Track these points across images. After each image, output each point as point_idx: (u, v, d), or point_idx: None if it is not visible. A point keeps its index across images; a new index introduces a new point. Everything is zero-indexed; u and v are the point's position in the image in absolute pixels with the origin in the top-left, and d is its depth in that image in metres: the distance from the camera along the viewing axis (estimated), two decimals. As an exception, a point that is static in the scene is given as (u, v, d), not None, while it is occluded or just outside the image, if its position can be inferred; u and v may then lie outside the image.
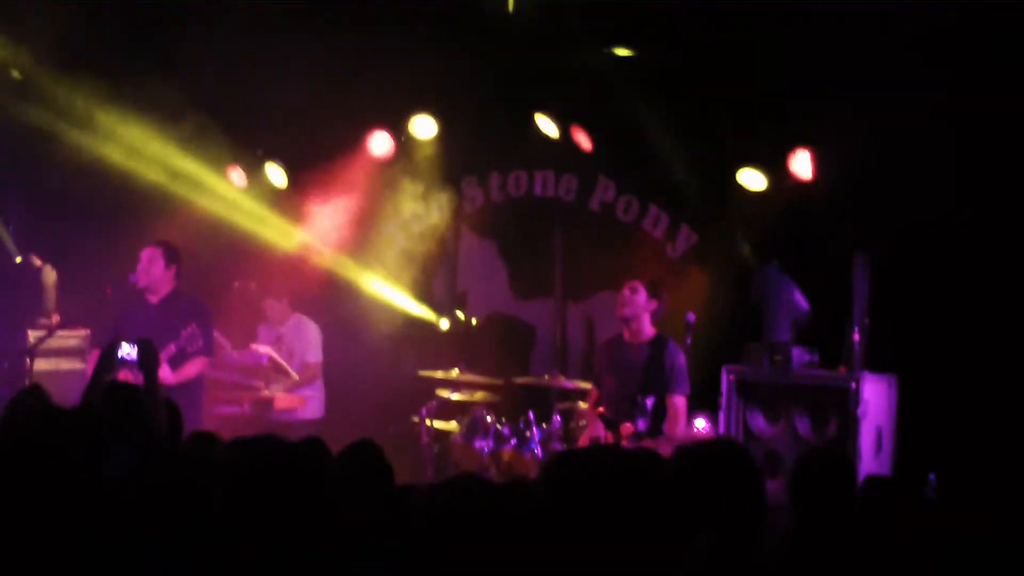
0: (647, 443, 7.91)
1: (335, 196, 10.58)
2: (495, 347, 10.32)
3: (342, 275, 10.65)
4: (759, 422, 8.37)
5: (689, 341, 8.20)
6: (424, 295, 10.70)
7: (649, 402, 8.13)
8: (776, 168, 8.79)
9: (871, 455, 7.85)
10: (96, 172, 10.07)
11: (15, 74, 9.78)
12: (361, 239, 10.68)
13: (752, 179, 8.90)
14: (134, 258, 8.55)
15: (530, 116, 9.73)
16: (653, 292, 8.42)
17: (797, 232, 8.71)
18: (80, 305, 9.53)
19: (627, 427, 8.11)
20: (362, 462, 4.76)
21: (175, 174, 10.28)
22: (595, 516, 3.62)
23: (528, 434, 8.75)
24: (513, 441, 8.77)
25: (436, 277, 10.83)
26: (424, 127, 10.24)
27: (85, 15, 9.12)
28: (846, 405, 7.92)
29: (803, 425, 8.17)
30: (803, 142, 8.62)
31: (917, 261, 8.14)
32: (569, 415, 8.99)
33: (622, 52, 9.29)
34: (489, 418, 8.93)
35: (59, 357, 9.54)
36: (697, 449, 4.49)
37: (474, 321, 10.58)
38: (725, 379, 8.38)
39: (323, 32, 9.29)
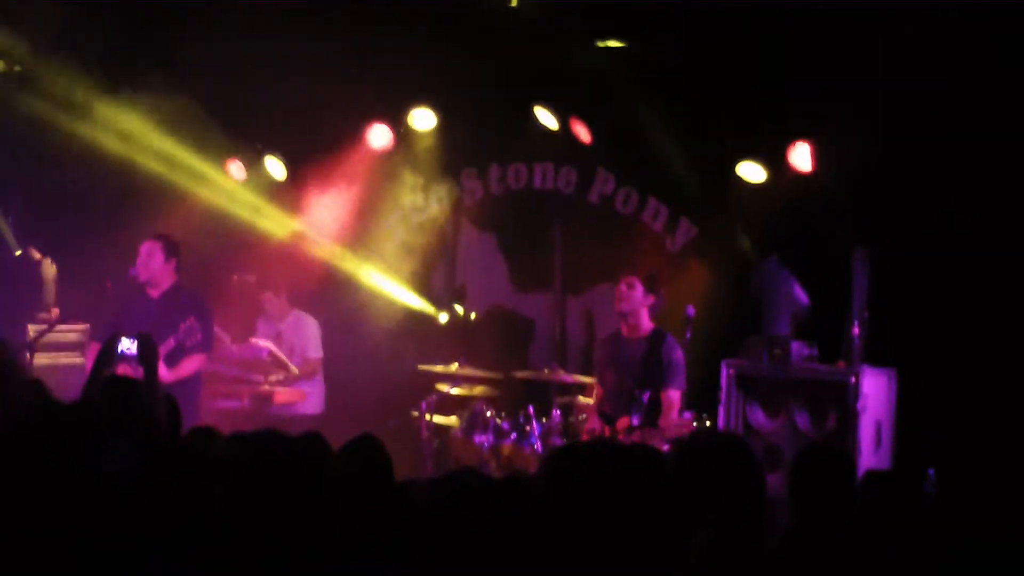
0: (636, 436, 7.96)
1: (334, 189, 10.57)
2: (494, 340, 10.32)
3: (341, 268, 10.64)
4: (758, 416, 8.37)
5: (689, 335, 8.20)
6: (423, 288, 10.69)
7: (645, 396, 8.15)
8: (776, 161, 8.78)
9: (870, 449, 7.85)
10: (96, 165, 10.08)
11: (15, 67, 9.76)
12: (360, 232, 10.68)
13: (752, 172, 8.89)
14: (134, 252, 8.55)
15: (529, 109, 9.72)
16: (650, 287, 8.45)
17: (797, 226, 8.70)
18: (80, 299, 9.53)
19: (623, 421, 8.15)
20: (363, 457, 4.76)
21: (175, 167, 10.28)
22: (595, 512, 3.62)
23: (528, 428, 8.75)
24: (513, 435, 8.77)
25: (435, 270, 10.82)
26: (423, 120, 10.24)
27: (86, 9, 9.11)
28: (845, 399, 7.92)
29: (802, 419, 8.18)
30: (803, 132, 8.62)
31: (917, 255, 8.13)
32: (569, 409, 8.99)
33: (613, 44, 9.27)
34: (489, 412, 8.92)
35: (59, 351, 9.53)
36: (697, 444, 4.50)
37: (473, 315, 10.57)
38: (724, 373, 8.38)
39: (323, 25, 9.28)
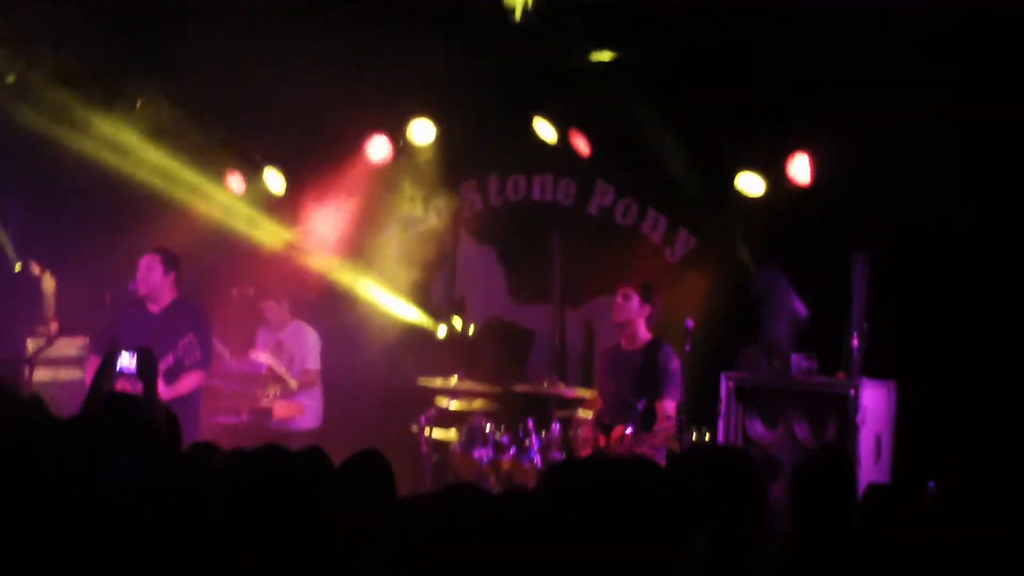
0: (628, 442, 7.99)
1: (333, 201, 10.57)
2: (493, 353, 10.31)
3: (340, 281, 10.64)
4: (758, 427, 8.37)
5: (688, 348, 8.21)
6: (422, 301, 10.69)
7: (640, 405, 8.18)
8: (774, 172, 8.79)
9: (870, 462, 7.84)
10: (95, 179, 10.07)
11: (9, 78, 9.76)
12: (359, 244, 10.68)
13: (750, 184, 8.90)
14: (133, 266, 8.54)
15: (528, 120, 9.73)
16: (646, 297, 8.49)
17: (795, 237, 8.70)
18: (79, 313, 9.52)
19: (618, 430, 8.18)
20: (366, 473, 4.75)
21: (174, 180, 10.28)
22: (593, 525, 3.62)
23: (527, 443, 8.74)
24: (512, 450, 8.76)
25: (434, 282, 10.82)
26: (422, 131, 10.24)
27: (84, 22, 9.12)
28: (845, 411, 7.92)
29: (802, 430, 8.17)
30: (801, 144, 8.62)
31: (916, 266, 8.13)
32: (568, 423, 8.98)
33: (607, 56, 9.28)
34: (488, 427, 8.91)
35: (58, 366, 9.52)
36: (698, 456, 4.50)
37: (471, 328, 10.57)
38: (724, 386, 8.38)
39: (321, 38, 9.28)
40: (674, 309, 8.76)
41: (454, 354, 10.21)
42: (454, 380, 9.34)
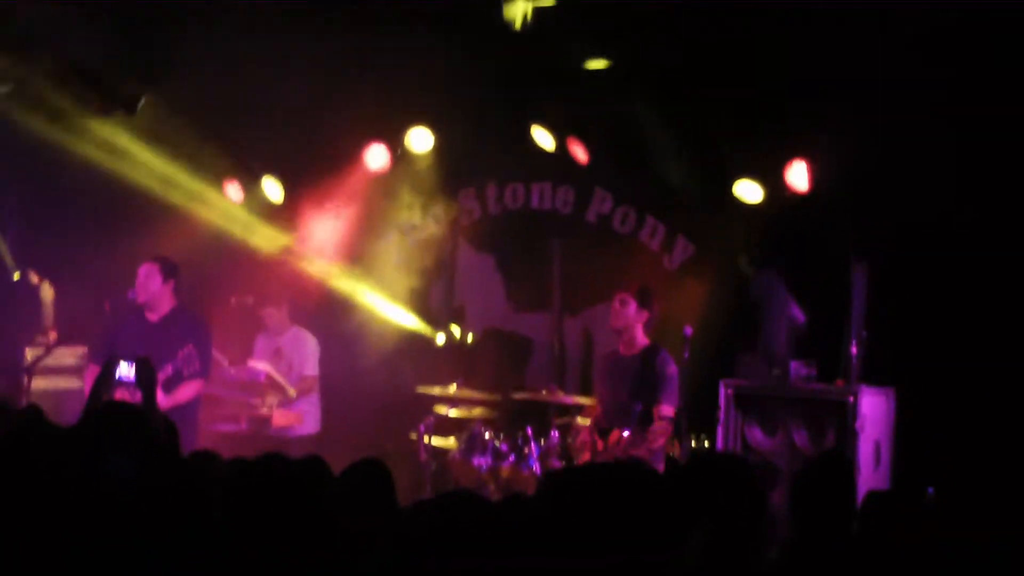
0: (623, 444, 8.01)
1: (332, 209, 10.58)
2: (492, 361, 10.31)
3: (339, 288, 10.64)
4: (757, 435, 8.37)
5: (687, 355, 8.21)
6: (421, 309, 10.68)
7: (637, 408, 8.19)
8: (772, 179, 8.79)
9: (870, 469, 7.85)
10: (94, 187, 10.08)
11: (5, 88, 9.76)
12: (358, 251, 10.68)
13: (748, 191, 8.90)
14: (132, 274, 8.54)
15: (526, 128, 9.73)
16: (643, 302, 8.49)
17: (794, 243, 8.71)
18: (78, 322, 9.52)
19: (615, 434, 8.20)
20: (367, 481, 4.75)
21: (173, 188, 10.28)
22: (592, 532, 3.62)
23: (526, 450, 8.75)
24: (511, 457, 8.76)
25: (433, 290, 10.82)
26: (421, 140, 10.24)
27: (83, 30, 9.12)
28: (844, 419, 7.92)
29: (801, 438, 8.17)
30: (800, 150, 8.62)
31: (915, 273, 8.14)
32: (567, 430, 8.97)
33: (600, 63, 9.29)
34: (487, 434, 8.91)
35: (56, 375, 9.52)
36: (698, 464, 4.50)
37: (470, 336, 10.57)
38: (723, 393, 8.38)
39: (319, 46, 9.28)
40: (673, 316, 8.76)
41: (453, 362, 10.21)
42: (453, 388, 9.34)
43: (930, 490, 6.41)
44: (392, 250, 10.68)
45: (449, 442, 9.30)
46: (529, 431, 8.81)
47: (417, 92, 9.72)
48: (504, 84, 9.66)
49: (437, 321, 10.68)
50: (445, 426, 9.39)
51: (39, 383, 8.86)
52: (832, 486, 4.54)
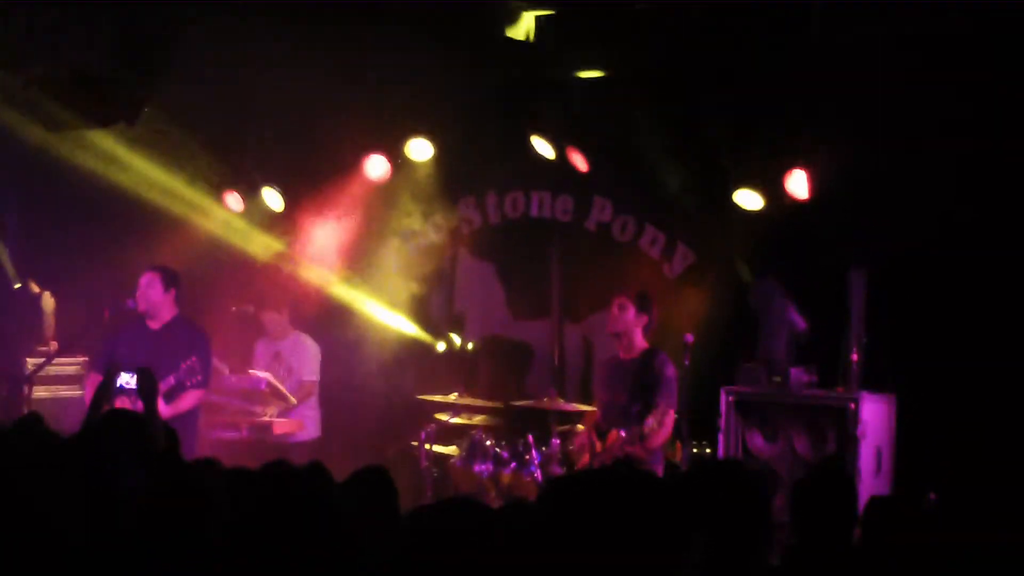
0: (618, 443, 8.02)
1: (332, 218, 10.59)
2: (493, 369, 10.32)
3: (339, 295, 10.65)
4: (758, 441, 8.37)
5: (688, 362, 8.23)
6: (421, 317, 10.69)
7: (635, 409, 8.22)
8: (772, 187, 8.79)
9: (871, 475, 7.84)
10: (94, 197, 10.09)
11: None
12: (358, 261, 10.69)
13: (748, 199, 8.90)
14: (132, 283, 8.55)
15: (526, 137, 9.74)
16: (642, 307, 8.55)
17: (793, 248, 8.71)
18: (78, 331, 9.53)
19: (613, 434, 8.23)
20: (371, 489, 4.75)
21: (172, 198, 10.29)
22: (594, 541, 3.62)
23: (527, 457, 8.76)
24: (513, 464, 8.78)
25: (434, 298, 10.83)
26: (420, 149, 10.24)
27: (83, 39, 9.12)
28: (845, 425, 7.92)
29: (802, 444, 8.18)
30: (799, 159, 8.62)
31: (915, 280, 8.14)
32: (568, 437, 8.99)
33: (594, 73, 9.30)
34: (488, 441, 8.93)
35: (57, 384, 9.53)
36: (701, 470, 4.50)
37: (470, 345, 10.57)
38: (724, 400, 8.39)
39: (319, 57, 9.29)
40: (673, 324, 8.78)
41: (454, 370, 10.21)
42: (454, 396, 9.35)
43: (931, 495, 6.42)
44: (392, 257, 10.69)
45: (450, 449, 9.30)
46: (530, 438, 8.82)
47: (416, 102, 9.74)
48: (503, 93, 9.68)
49: (437, 329, 10.69)
50: (446, 433, 9.39)
51: (40, 392, 8.89)
52: (833, 494, 4.54)
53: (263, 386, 9.69)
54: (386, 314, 10.58)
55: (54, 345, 9.89)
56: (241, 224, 10.66)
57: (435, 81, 9.32)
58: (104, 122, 9.73)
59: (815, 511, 4.48)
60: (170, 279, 8.54)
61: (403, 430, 9.68)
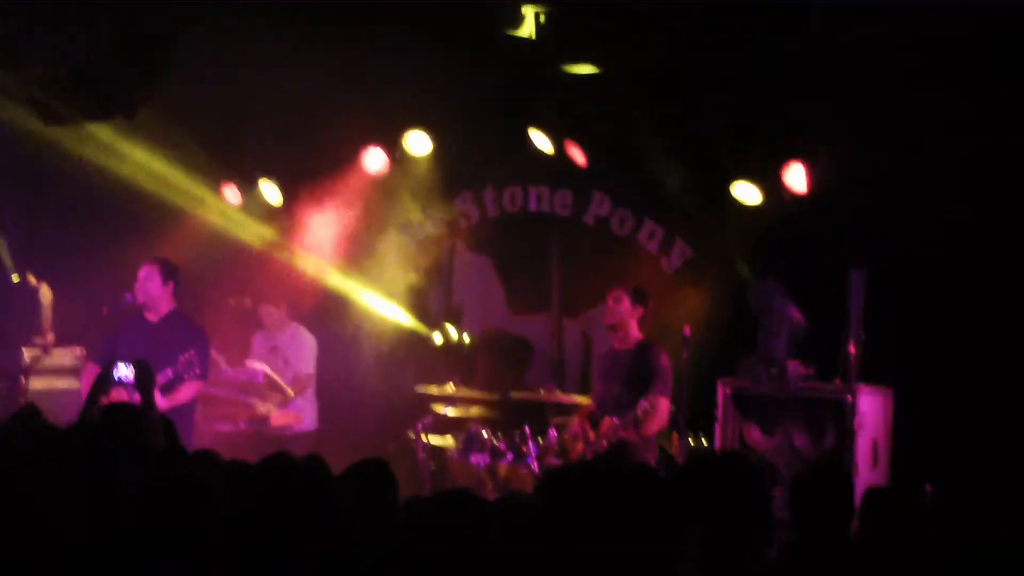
0: (610, 429, 8.07)
1: (330, 212, 10.59)
2: (491, 362, 10.33)
3: (338, 287, 10.65)
4: (755, 435, 8.38)
5: (686, 356, 8.24)
6: (420, 310, 10.69)
7: (629, 399, 8.26)
8: (771, 181, 8.79)
9: (867, 468, 7.85)
10: (92, 190, 10.09)
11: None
12: (356, 255, 10.68)
13: (746, 193, 8.90)
14: (130, 276, 8.55)
15: (524, 131, 9.74)
16: (637, 299, 8.59)
17: (792, 245, 8.71)
18: (76, 324, 9.53)
19: (606, 422, 8.25)
20: (370, 482, 4.75)
21: (171, 190, 10.29)
22: (591, 533, 3.62)
23: (524, 449, 8.78)
24: (509, 456, 8.80)
25: (432, 292, 10.83)
26: (418, 143, 10.24)
27: (83, 31, 9.12)
28: (842, 418, 7.92)
29: (799, 438, 8.18)
30: (797, 153, 8.63)
31: (913, 274, 8.14)
32: (564, 429, 9.00)
33: (588, 69, 9.29)
34: (485, 433, 8.94)
35: (54, 376, 9.53)
36: (699, 463, 4.50)
37: (467, 337, 10.58)
38: (721, 392, 8.39)
39: (317, 51, 9.29)
40: (671, 318, 8.78)
41: (452, 363, 10.22)
42: (451, 388, 9.36)
43: (928, 488, 6.42)
44: (391, 248, 10.68)
45: (447, 441, 9.32)
46: (527, 430, 8.84)
47: (415, 95, 9.73)
48: (502, 87, 9.67)
49: (436, 323, 10.69)
50: (443, 425, 9.40)
51: (37, 384, 8.89)
52: (831, 490, 4.54)
53: (260, 378, 9.70)
54: (384, 305, 10.58)
55: (51, 337, 9.89)
56: (239, 217, 10.65)
57: (434, 75, 9.31)
58: (103, 116, 9.72)
59: (813, 507, 4.48)
60: (169, 272, 8.53)
61: (401, 422, 9.68)
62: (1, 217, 10.68)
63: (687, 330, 8.27)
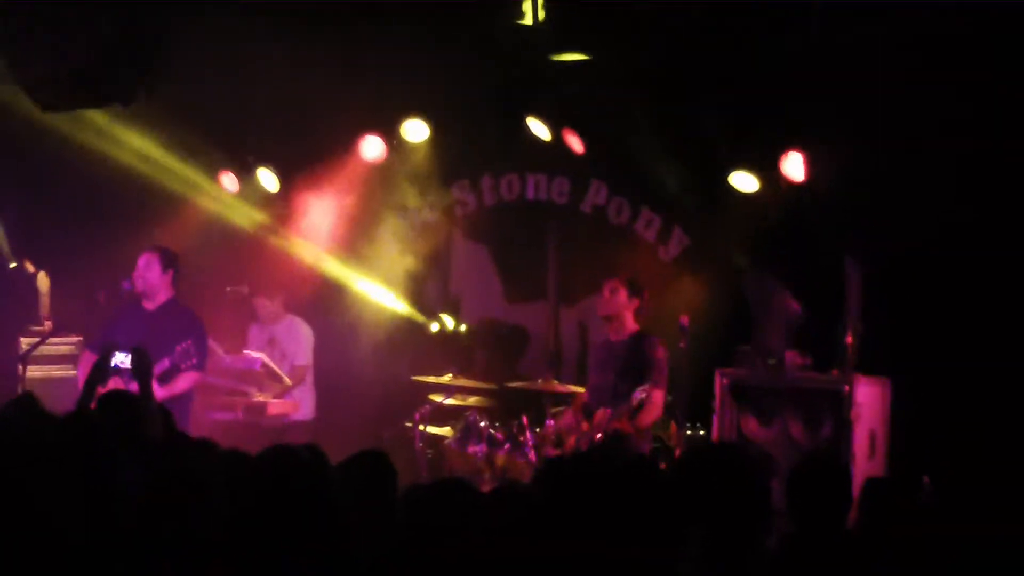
0: (604, 419, 8.08)
1: (327, 199, 10.57)
2: (488, 351, 10.33)
3: (334, 276, 10.64)
4: (752, 425, 8.38)
5: (683, 345, 8.23)
6: (416, 299, 10.69)
7: (623, 390, 8.26)
8: (768, 170, 8.79)
9: (865, 458, 7.86)
10: (90, 178, 10.07)
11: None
12: (354, 243, 10.67)
13: (744, 181, 8.90)
14: (128, 263, 8.54)
15: (522, 119, 9.72)
16: (633, 291, 8.59)
17: (790, 234, 8.72)
18: (73, 311, 9.52)
19: (600, 413, 8.26)
20: (369, 473, 4.75)
21: (168, 178, 10.28)
22: (589, 524, 3.62)
23: (522, 439, 8.77)
24: (507, 445, 8.79)
25: (429, 281, 10.82)
26: (416, 131, 10.22)
27: (83, 31, 9.09)
28: (839, 408, 7.93)
29: (796, 428, 8.19)
30: (795, 143, 8.62)
31: (910, 263, 8.15)
32: (559, 418, 9.00)
33: (581, 56, 9.27)
34: (483, 423, 8.94)
35: (51, 364, 9.53)
36: (698, 454, 4.51)
37: (463, 327, 10.57)
38: (718, 382, 8.40)
39: (315, 37, 9.27)
40: (668, 308, 8.79)
41: (449, 352, 10.21)
42: (448, 377, 9.36)
43: (925, 479, 6.43)
44: (388, 234, 10.65)
45: (445, 430, 9.32)
46: (524, 419, 8.84)
47: (412, 83, 9.71)
48: (499, 75, 9.65)
49: (433, 312, 10.69)
50: (441, 414, 9.40)
51: (34, 371, 8.88)
52: (828, 482, 4.55)
53: (258, 367, 9.70)
54: (381, 293, 10.58)
55: (49, 324, 9.88)
56: (237, 205, 10.64)
57: (431, 62, 9.30)
58: (100, 104, 9.71)
59: (810, 498, 4.48)
60: (169, 260, 8.52)
61: (398, 411, 9.68)
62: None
63: (685, 319, 8.26)
